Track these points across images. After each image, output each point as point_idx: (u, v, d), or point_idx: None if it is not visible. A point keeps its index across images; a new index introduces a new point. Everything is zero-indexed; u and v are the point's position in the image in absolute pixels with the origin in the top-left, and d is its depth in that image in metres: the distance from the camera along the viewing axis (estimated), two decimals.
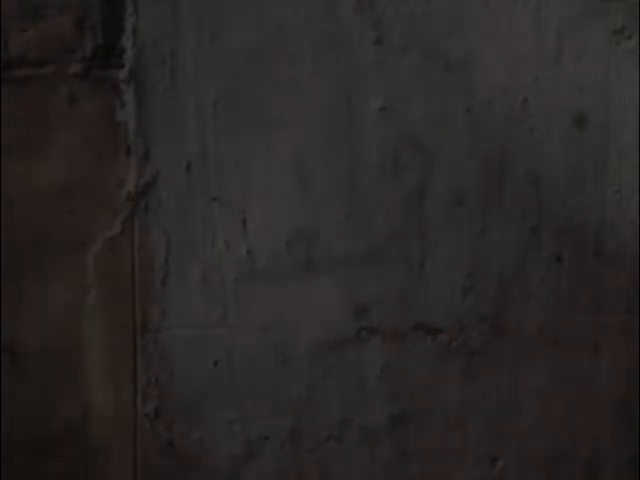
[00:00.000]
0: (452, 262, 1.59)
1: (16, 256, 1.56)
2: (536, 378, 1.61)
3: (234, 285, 1.58)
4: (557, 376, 1.61)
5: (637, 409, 1.60)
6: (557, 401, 1.61)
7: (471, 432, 1.62)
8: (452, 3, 1.55)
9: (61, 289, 1.57)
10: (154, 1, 1.53)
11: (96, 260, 1.56)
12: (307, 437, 1.61)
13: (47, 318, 1.57)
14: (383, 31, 1.55)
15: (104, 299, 1.57)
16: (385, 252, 1.58)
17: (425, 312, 1.60)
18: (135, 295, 1.57)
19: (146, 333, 1.58)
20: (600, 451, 1.62)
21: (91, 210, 1.56)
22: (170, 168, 1.56)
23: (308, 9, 1.55)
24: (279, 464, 1.62)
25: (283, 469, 1.62)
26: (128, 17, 1.53)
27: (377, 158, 1.57)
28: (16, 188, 1.55)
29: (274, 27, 1.55)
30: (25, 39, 1.53)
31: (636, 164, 1.58)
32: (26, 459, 1.59)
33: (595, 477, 1.63)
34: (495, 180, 1.58)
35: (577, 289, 1.60)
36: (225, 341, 1.59)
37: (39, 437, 1.59)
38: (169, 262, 1.57)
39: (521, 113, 1.57)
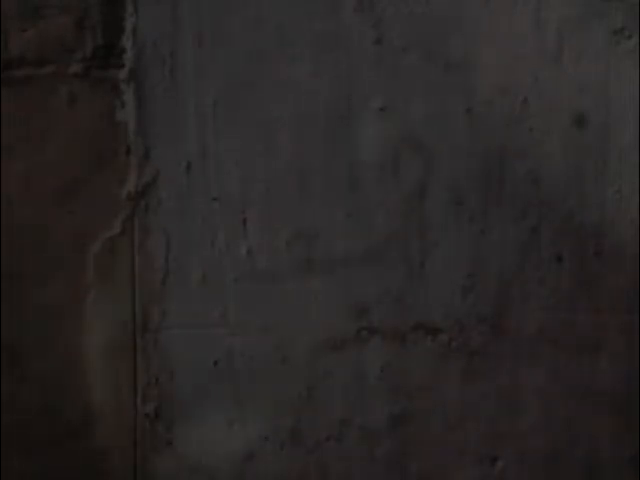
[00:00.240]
0: (452, 262, 1.59)
1: (16, 256, 1.56)
2: (536, 378, 1.61)
3: (234, 285, 1.58)
4: (557, 376, 1.61)
5: (637, 409, 1.60)
6: (557, 401, 1.61)
7: (471, 432, 1.62)
8: (452, 3, 1.55)
9: (61, 289, 1.57)
10: (154, 1, 1.53)
11: (96, 260, 1.56)
12: (307, 437, 1.61)
13: (47, 318, 1.57)
14: (383, 31, 1.55)
15: (104, 299, 1.57)
16: (385, 252, 1.58)
17: (425, 312, 1.60)
18: (135, 295, 1.57)
19: (146, 333, 1.58)
20: (600, 451, 1.62)
21: (91, 210, 1.56)
22: (170, 168, 1.56)
23: (308, 9, 1.55)
24: (279, 464, 1.62)
25: (283, 469, 1.62)
26: (128, 17, 1.54)
27: (377, 158, 1.57)
28: (16, 188, 1.55)
29: (274, 27, 1.55)
30: (25, 39, 1.53)
31: (636, 164, 1.58)
32: (26, 459, 1.59)
33: (595, 477, 1.63)
34: (495, 180, 1.58)
35: (577, 289, 1.60)
36: (225, 341, 1.59)
37: (39, 437, 1.59)
38: (169, 262, 1.57)
39: (521, 113, 1.57)
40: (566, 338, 1.60)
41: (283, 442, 1.61)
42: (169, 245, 1.57)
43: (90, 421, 1.59)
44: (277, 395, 1.60)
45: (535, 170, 1.58)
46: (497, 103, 1.57)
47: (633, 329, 1.60)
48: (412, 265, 1.59)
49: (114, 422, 1.59)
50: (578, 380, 1.61)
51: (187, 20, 1.54)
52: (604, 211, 1.58)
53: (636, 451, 1.62)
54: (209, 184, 1.57)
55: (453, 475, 1.63)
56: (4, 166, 1.54)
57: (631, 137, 1.57)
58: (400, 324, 1.60)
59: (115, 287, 1.57)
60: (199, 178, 1.57)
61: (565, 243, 1.59)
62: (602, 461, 1.63)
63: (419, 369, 1.60)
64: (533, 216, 1.58)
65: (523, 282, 1.59)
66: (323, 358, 1.60)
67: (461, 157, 1.57)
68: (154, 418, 1.60)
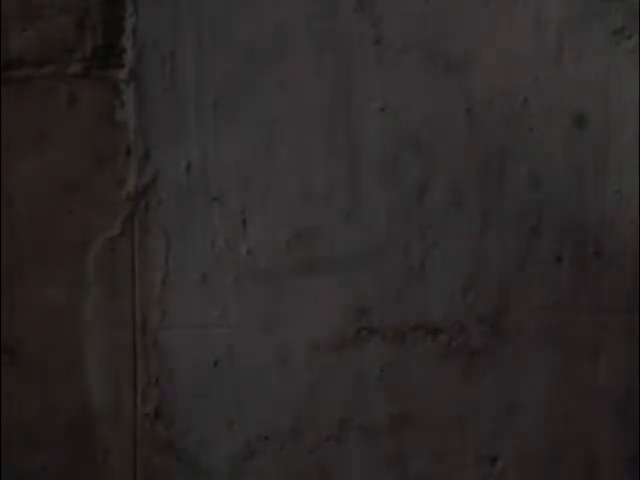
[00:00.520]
0: (452, 262, 1.59)
1: (16, 256, 1.56)
2: (536, 378, 1.61)
3: (234, 285, 1.58)
4: (557, 376, 1.61)
5: (637, 409, 1.60)
6: (557, 401, 1.61)
7: (471, 432, 1.62)
8: (452, 3, 1.55)
9: (61, 289, 1.57)
10: (154, 1, 1.53)
11: (96, 260, 1.56)
12: (307, 437, 1.61)
13: (47, 318, 1.57)
14: (383, 31, 1.55)
15: (104, 299, 1.57)
16: (385, 252, 1.58)
17: (425, 312, 1.60)
18: (135, 295, 1.57)
19: (146, 333, 1.58)
20: (600, 451, 1.62)
21: (91, 210, 1.56)
22: (170, 168, 1.56)
23: (308, 9, 1.55)
24: (279, 464, 1.62)
25: (283, 469, 1.62)
26: (128, 17, 1.54)
27: (377, 158, 1.57)
28: (16, 188, 1.55)
29: (274, 27, 1.55)
30: (25, 39, 1.53)
31: (636, 164, 1.58)
32: (26, 459, 1.59)
33: (595, 477, 1.63)
34: (495, 180, 1.58)
35: (577, 289, 1.59)
36: (225, 341, 1.59)
37: (39, 437, 1.59)
38: (169, 262, 1.57)
39: (521, 113, 1.57)
40: (566, 338, 1.60)
41: (283, 442, 1.61)
42: (169, 245, 1.57)
43: (90, 421, 1.59)
44: (277, 395, 1.60)
45: (535, 170, 1.58)
46: (497, 103, 1.57)
47: (633, 329, 1.60)
48: (412, 265, 1.59)
49: (114, 422, 1.59)
50: (578, 380, 1.61)
51: (187, 20, 1.54)
52: (604, 211, 1.58)
53: (636, 451, 1.61)
54: (209, 184, 1.57)
55: (453, 475, 1.63)
56: (4, 166, 1.54)
57: (631, 137, 1.57)
58: (400, 324, 1.60)
59: (115, 287, 1.57)
60: (199, 178, 1.57)
61: (565, 243, 1.59)
62: (602, 461, 1.63)
63: (419, 369, 1.60)
64: (533, 216, 1.58)
65: (523, 282, 1.59)
66: (323, 358, 1.60)
67: (461, 157, 1.57)
68: (154, 418, 1.60)
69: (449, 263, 1.59)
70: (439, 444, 1.62)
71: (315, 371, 1.60)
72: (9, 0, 1.52)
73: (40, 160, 1.55)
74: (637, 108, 1.56)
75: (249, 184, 1.57)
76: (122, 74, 1.54)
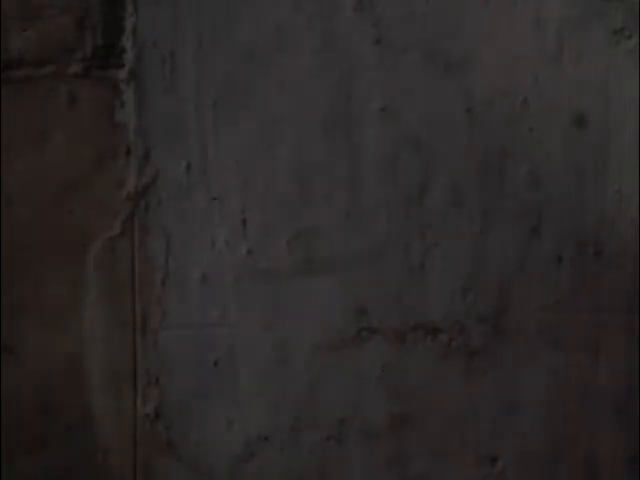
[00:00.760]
0: (452, 262, 1.59)
1: (16, 256, 1.56)
2: (536, 378, 1.61)
3: (234, 285, 1.58)
4: (557, 376, 1.61)
5: (637, 409, 1.60)
6: (557, 401, 1.61)
7: (471, 432, 1.62)
8: (452, 3, 1.55)
9: (61, 289, 1.57)
10: (154, 1, 1.53)
11: (96, 260, 1.56)
12: (307, 437, 1.61)
13: (47, 318, 1.57)
14: (383, 31, 1.55)
15: (104, 299, 1.57)
16: (385, 252, 1.58)
17: (425, 312, 1.60)
18: (135, 295, 1.57)
19: (146, 333, 1.58)
20: (600, 451, 1.62)
21: (91, 210, 1.56)
22: (170, 168, 1.56)
23: (308, 9, 1.55)
24: (279, 464, 1.62)
25: (283, 469, 1.62)
26: (128, 17, 1.54)
27: (377, 158, 1.57)
28: (16, 188, 1.55)
29: (274, 27, 1.55)
30: (25, 39, 1.53)
31: (636, 164, 1.58)
32: (26, 459, 1.59)
33: (595, 477, 1.63)
34: (495, 180, 1.58)
35: (577, 289, 1.59)
36: (225, 341, 1.59)
37: (39, 437, 1.59)
38: (169, 262, 1.57)
39: (521, 113, 1.57)
40: (566, 338, 1.60)
41: (283, 442, 1.61)
42: (169, 245, 1.57)
43: (90, 421, 1.59)
44: (277, 395, 1.60)
45: (535, 170, 1.58)
46: (497, 103, 1.57)
47: (633, 329, 1.60)
48: (412, 265, 1.59)
49: (114, 422, 1.59)
50: (578, 380, 1.61)
51: (187, 20, 1.54)
52: (604, 211, 1.58)
53: (636, 451, 1.62)
54: (209, 184, 1.57)
55: (453, 475, 1.63)
56: (4, 166, 1.54)
57: (631, 137, 1.57)
58: (400, 324, 1.60)
59: (115, 287, 1.57)
60: (199, 178, 1.57)
61: (565, 243, 1.59)
62: (602, 461, 1.63)
63: (419, 369, 1.60)
64: (533, 216, 1.58)
65: (523, 282, 1.59)
66: (323, 358, 1.60)
67: (461, 157, 1.57)
68: (154, 418, 1.60)
69: (449, 263, 1.59)
70: (439, 444, 1.62)
71: (315, 371, 1.60)
72: (9, 0, 1.52)
73: (40, 160, 1.55)
74: (637, 108, 1.56)
75: (249, 184, 1.57)
76: (122, 74, 1.54)
